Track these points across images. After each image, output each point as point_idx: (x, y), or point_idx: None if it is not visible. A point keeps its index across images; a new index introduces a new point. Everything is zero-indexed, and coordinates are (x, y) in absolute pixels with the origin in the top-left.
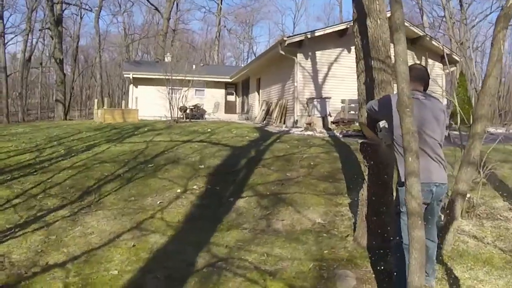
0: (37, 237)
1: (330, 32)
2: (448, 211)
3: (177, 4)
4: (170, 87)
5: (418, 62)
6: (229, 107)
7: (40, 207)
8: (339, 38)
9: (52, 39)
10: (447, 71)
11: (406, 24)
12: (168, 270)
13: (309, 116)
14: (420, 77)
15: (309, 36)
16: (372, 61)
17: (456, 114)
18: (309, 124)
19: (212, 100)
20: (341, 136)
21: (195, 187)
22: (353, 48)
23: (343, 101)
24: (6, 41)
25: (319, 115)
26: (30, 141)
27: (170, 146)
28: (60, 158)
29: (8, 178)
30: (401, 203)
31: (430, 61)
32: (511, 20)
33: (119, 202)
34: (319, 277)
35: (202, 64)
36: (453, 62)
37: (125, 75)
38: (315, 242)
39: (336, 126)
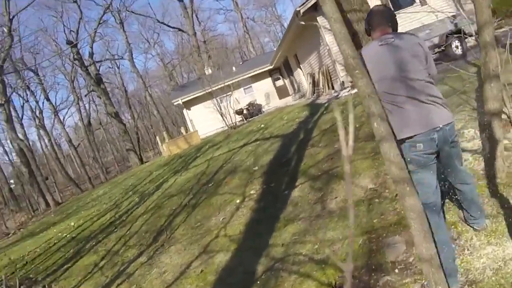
0: None
1: None
2: (488, 137)
3: (196, 17)
4: (216, 97)
5: None
6: (281, 92)
7: (122, 261)
8: None
9: (100, 98)
10: None
11: None
12: (231, 286)
13: None
14: (385, 19)
15: None
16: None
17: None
18: (352, 82)
19: (263, 92)
20: None
21: (252, 192)
22: None
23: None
24: (62, 117)
25: None
26: (109, 199)
27: (228, 157)
28: (135, 207)
29: (94, 243)
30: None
31: None
32: None
33: (187, 232)
34: (368, 252)
35: (241, 62)
36: None
37: (175, 103)
38: (366, 212)
39: None
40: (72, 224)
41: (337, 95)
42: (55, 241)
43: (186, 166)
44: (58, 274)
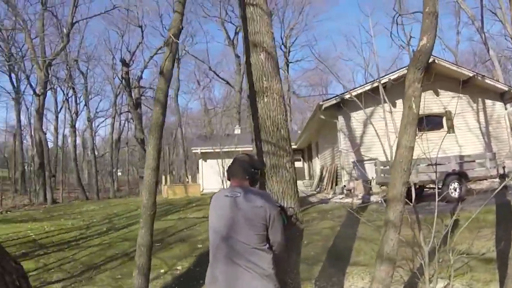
0: None
1: (369, 89)
2: None
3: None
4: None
5: (473, 105)
6: (298, 174)
7: (44, 279)
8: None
9: (133, 121)
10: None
11: (454, 67)
12: None
13: (356, 180)
14: (243, 170)
15: (346, 96)
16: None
17: None
18: (350, 190)
19: None
20: (380, 201)
21: (179, 267)
22: (398, 102)
23: (376, 163)
24: (97, 124)
25: (362, 179)
26: (89, 218)
27: (195, 223)
28: (96, 236)
29: (42, 253)
30: None
31: (488, 101)
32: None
33: (107, 279)
34: None
35: None
36: None
37: (193, 151)
38: None
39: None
40: (45, 227)
41: (329, 199)
42: (19, 236)
43: (162, 217)
44: None
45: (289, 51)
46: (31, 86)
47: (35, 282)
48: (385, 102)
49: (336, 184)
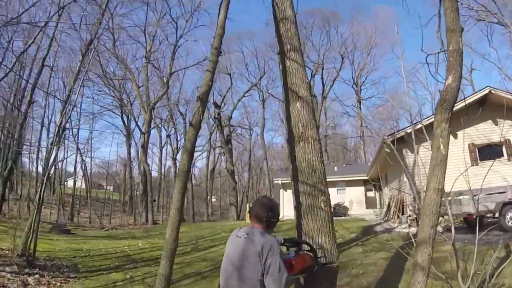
0: None
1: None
2: None
3: (325, 114)
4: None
5: None
6: (370, 203)
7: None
8: None
9: (224, 155)
10: None
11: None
12: None
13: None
14: (258, 214)
15: (408, 130)
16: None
17: None
18: (413, 220)
19: (353, 198)
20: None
21: None
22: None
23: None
24: (195, 157)
25: None
26: (179, 239)
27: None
28: (180, 255)
29: (132, 267)
30: None
31: None
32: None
33: None
34: None
35: (344, 165)
36: None
37: (275, 181)
38: None
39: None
40: (140, 245)
41: (393, 228)
42: (117, 251)
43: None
44: (93, 275)
45: (360, 89)
46: (137, 125)
47: None
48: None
49: (403, 214)
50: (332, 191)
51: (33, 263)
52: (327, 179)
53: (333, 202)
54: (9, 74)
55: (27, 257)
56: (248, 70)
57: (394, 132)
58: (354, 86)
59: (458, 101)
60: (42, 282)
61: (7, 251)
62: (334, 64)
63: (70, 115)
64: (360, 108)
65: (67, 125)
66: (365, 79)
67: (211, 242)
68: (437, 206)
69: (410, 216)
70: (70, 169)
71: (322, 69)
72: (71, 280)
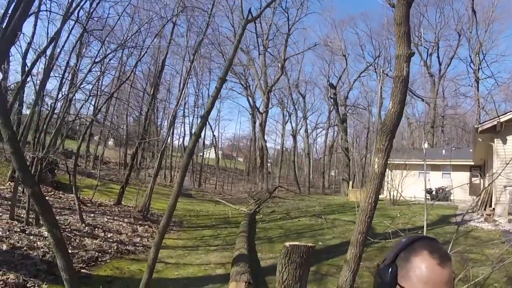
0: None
1: None
2: None
3: (443, 92)
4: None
5: None
6: (474, 189)
7: (209, 243)
8: None
9: (339, 133)
10: None
11: None
12: None
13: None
14: None
15: (501, 119)
16: None
17: None
18: (489, 215)
19: (457, 183)
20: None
21: None
22: None
23: None
24: (316, 134)
25: (507, 203)
26: (283, 210)
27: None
28: (267, 221)
29: (223, 227)
30: None
31: None
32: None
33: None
34: None
35: (454, 148)
36: None
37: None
38: None
39: None
40: (241, 209)
41: (469, 221)
42: (220, 214)
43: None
44: (191, 230)
45: (478, 69)
46: (256, 107)
47: (204, 243)
48: None
49: (490, 206)
50: (436, 174)
51: (147, 217)
52: (432, 162)
53: (435, 185)
54: None
55: (143, 213)
56: (362, 51)
57: (487, 121)
58: (472, 65)
59: None
60: (148, 231)
61: (131, 208)
62: (450, 42)
63: None
64: (478, 89)
65: None
66: (484, 56)
67: (302, 213)
68: None
69: (493, 209)
70: (208, 142)
71: (438, 48)
72: (172, 232)
